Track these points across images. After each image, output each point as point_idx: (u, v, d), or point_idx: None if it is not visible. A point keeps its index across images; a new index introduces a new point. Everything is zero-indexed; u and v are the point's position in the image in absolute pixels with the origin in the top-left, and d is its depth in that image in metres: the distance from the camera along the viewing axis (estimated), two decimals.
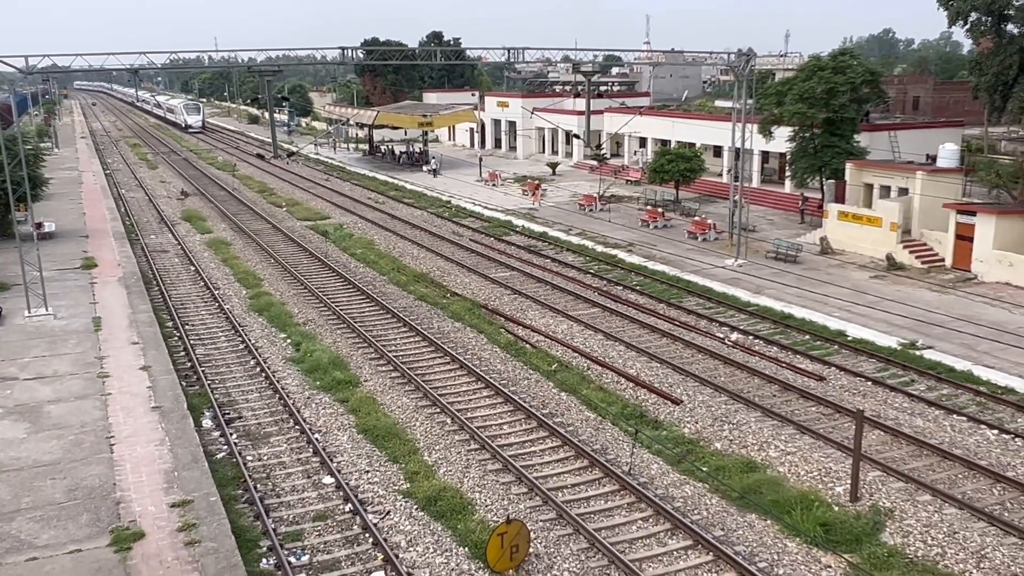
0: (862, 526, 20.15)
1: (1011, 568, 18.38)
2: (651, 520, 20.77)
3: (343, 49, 49.25)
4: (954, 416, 26.16)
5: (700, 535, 19.65)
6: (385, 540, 19.68)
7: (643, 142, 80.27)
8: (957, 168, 48.11)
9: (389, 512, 21.13)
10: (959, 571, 18.48)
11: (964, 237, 42.80)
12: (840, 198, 50.36)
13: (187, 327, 35.70)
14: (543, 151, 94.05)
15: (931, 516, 20.42)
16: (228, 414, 26.99)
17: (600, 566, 18.83)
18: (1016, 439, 24.54)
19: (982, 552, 18.97)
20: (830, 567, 18.80)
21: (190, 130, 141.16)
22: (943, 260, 43.89)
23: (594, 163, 76.52)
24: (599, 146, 78.70)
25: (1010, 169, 51.13)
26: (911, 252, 44.64)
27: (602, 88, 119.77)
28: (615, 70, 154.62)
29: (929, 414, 26.43)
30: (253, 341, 33.90)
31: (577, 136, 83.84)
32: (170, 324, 36.13)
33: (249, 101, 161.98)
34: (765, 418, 26.04)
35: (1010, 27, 64.98)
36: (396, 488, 22.31)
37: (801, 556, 19.25)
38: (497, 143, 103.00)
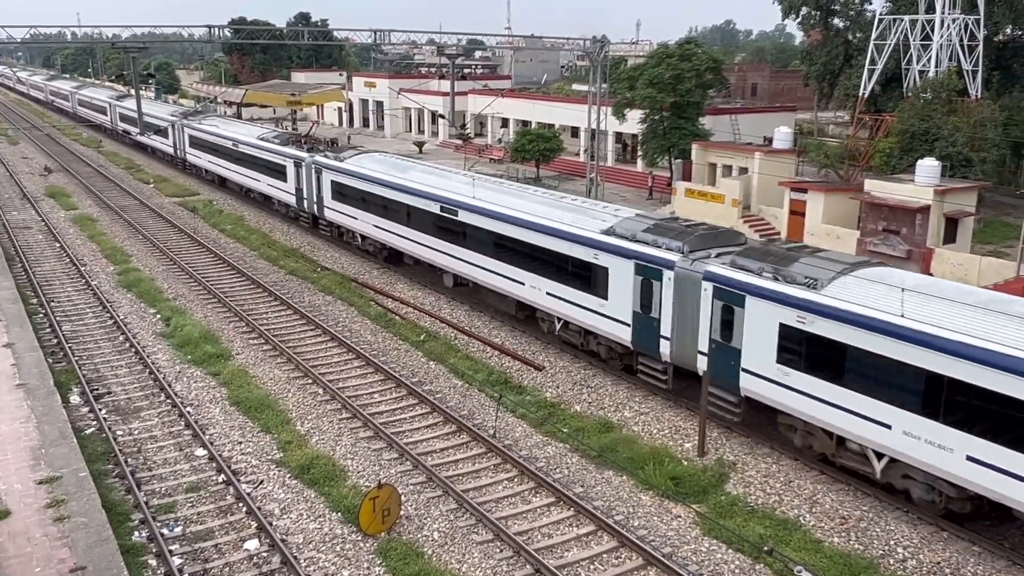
0: (708, 478, 20.81)
1: (839, 511, 19.30)
2: (516, 480, 20.92)
3: (210, 27, 47.30)
4: None
5: (562, 492, 19.89)
6: (259, 508, 19.20)
7: (505, 123, 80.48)
8: (790, 149, 50.00)
9: (263, 481, 20.60)
10: (794, 516, 19.29)
11: (797, 212, 44.55)
12: (687, 176, 51.73)
13: (53, 304, 33.85)
14: (410, 130, 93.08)
15: (769, 467, 21.25)
16: (97, 390, 25.76)
17: (468, 525, 18.86)
18: None
19: (814, 498, 19.85)
20: (680, 517, 19.34)
21: None
22: (779, 233, 45.59)
23: (459, 142, 76.28)
24: (463, 126, 78.41)
25: (837, 150, 53.58)
26: (751, 226, 46.18)
27: (466, 71, 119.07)
28: (478, 54, 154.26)
29: None
30: (122, 317, 32.42)
31: (442, 116, 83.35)
32: (35, 301, 34.18)
33: (114, 78, 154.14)
34: (620, 381, 26.55)
35: (836, 21, 68.11)
36: (269, 458, 21.76)
37: (654, 508, 19.74)
38: (365, 122, 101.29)
